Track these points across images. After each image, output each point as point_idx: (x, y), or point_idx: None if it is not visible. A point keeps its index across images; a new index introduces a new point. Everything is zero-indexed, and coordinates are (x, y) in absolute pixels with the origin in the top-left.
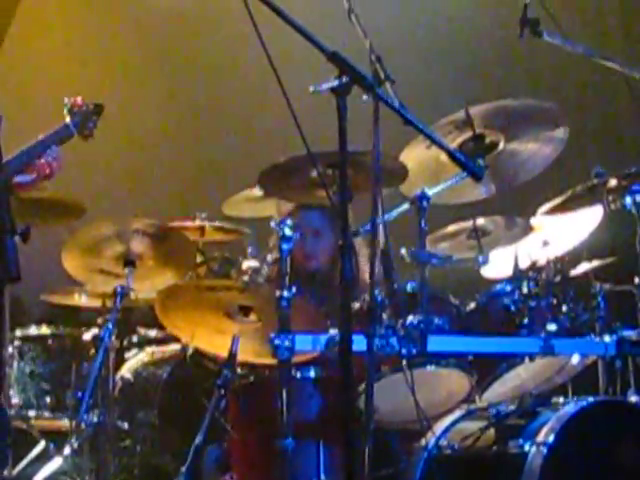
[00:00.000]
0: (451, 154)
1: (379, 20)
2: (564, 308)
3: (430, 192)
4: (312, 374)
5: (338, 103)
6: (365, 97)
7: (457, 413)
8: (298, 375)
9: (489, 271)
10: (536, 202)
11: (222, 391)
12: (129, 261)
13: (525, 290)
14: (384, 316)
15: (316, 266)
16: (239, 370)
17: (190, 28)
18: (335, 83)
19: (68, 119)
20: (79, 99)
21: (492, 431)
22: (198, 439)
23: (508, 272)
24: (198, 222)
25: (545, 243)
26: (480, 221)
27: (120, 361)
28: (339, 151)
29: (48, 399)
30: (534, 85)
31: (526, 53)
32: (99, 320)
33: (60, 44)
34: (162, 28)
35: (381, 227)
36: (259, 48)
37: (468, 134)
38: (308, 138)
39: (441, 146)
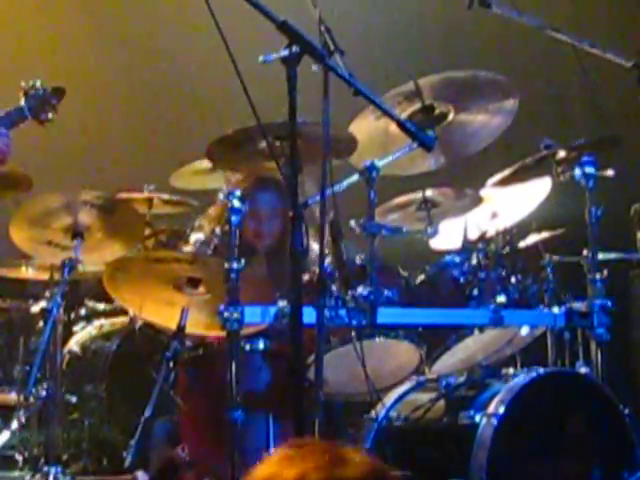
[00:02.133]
0: (401, 124)
1: None
2: (513, 279)
3: (379, 163)
4: (261, 346)
5: (288, 73)
6: (315, 67)
7: (407, 385)
8: (247, 347)
9: (438, 243)
10: (485, 173)
11: (171, 363)
12: (77, 233)
13: (474, 262)
14: (333, 288)
15: (268, 244)
16: (188, 342)
17: None
18: (285, 53)
19: (22, 102)
20: (38, 82)
21: (442, 402)
22: (147, 412)
23: (457, 244)
24: (146, 194)
25: (494, 215)
26: (429, 192)
27: (68, 334)
28: (289, 122)
29: None
30: (483, 56)
31: (475, 24)
32: (47, 293)
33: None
34: None
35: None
36: (209, 17)
37: (417, 105)
38: (257, 109)
39: (391, 116)
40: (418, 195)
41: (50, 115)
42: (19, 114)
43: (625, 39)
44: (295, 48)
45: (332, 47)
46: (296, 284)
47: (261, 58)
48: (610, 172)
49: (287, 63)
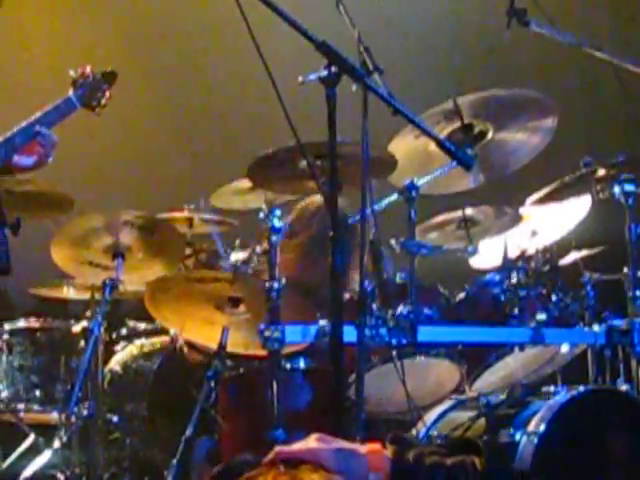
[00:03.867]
0: (440, 143)
1: (368, 11)
2: (553, 298)
3: (419, 182)
4: (302, 365)
5: (327, 93)
6: (354, 87)
7: (447, 403)
8: (288, 366)
9: (478, 261)
10: (525, 192)
11: (212, 383)
12: (118, 253)
13: (514, 280)
14: (374, 306)
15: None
16: (229, 362)
17: (178, 16)
18: (324, 73)
19: (71, 92)
20: (87, 69)
21: (482, 421)
22: (188, 431)
23: (497, 262)
24: (187, 214)
25: (534, 233)
26: (469, 211)
27: (109, 354)
28: (328, 141)
29: (37, 392)
30: (522, 74)
31: (514, 42)
32: (88, 313)
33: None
34: (148, 17)
35: (371, 218)
36: (248, 38)
37: (456, 124)
38: (297, 129)
39: (430, 135)
40: (458, 214)
41: (103, 101)
42: (68, 105)
43: None
44: (334, 68)
45: (371, 66)
46: (337, 303)
47: (300, 78)
48: None
49: (326, 83)
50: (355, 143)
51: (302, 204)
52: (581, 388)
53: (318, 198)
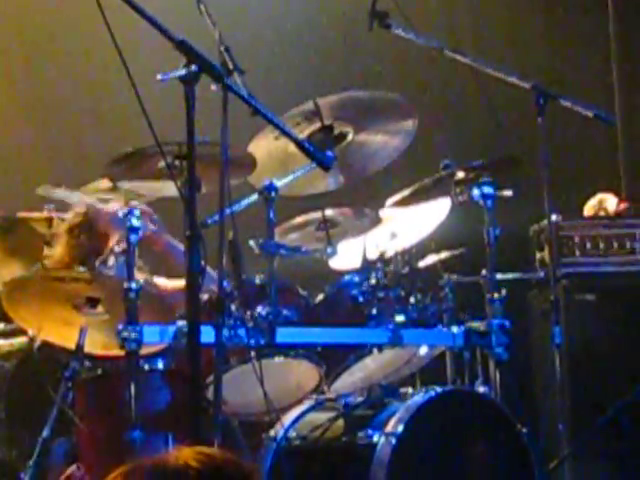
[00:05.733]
0: (299, 144)
1: (229, 12)
2: (412, 299)
3: (278, 183)
4: (160, 365)
5: (186, 92)
6: (214, 87)
7: (306, 404)
8: (146, 367)
9: (338, 262)
10: (385, 194)
11: (69, 383)
12: None
13: (373, 281)
14: (232, 307)
15: None
16: (88, 362)
17: (35, 10)
18: (182, 72)
19: None
20: None
21: (341, 422)
22: (45, 432)
23: (357, 263)
24: (46, 214)
25: (394, 235)
26: (329, 212)
27: None
28: (187, 141)
29: None
30: (384, 77)
31: (376, 45)
32: None
33: None
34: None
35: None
36: (107, 35)
37: (317, 125)
38: (159, 128)
39: (289, 136)
40: (317, 215)
41: None
42: None
43: (524, 61)
44: (193, 67)
45: (231, 66)
46: (193, 304)
47: (159, 76)
48: (508, 193)
49: (185, 82)
50: (214, 143)
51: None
52: (439, 389)
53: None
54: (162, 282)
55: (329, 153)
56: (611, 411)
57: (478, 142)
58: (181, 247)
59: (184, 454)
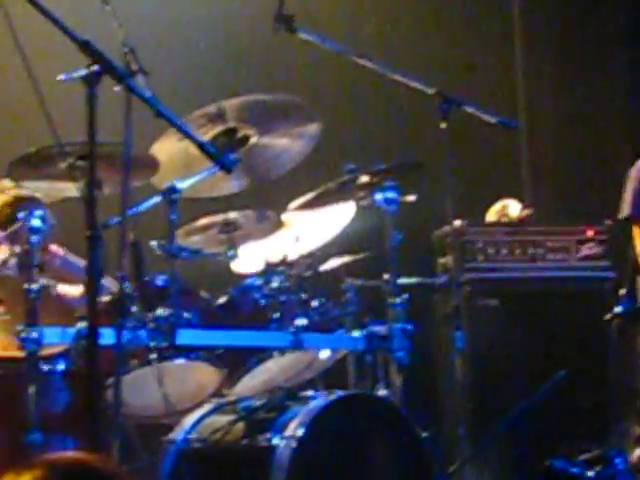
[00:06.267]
0: (200, 146)
1: (134, 13)
2: (314, 303)
3: (181, 185)
4: (61, 367)
5: (87, 93)
6: (117, 88)
7: (207, 407)
8: (46, 368)
9: (241, 265)
10: (289, 197)
11: None
12: None
13: (275, 284)
14: (133, 309)
15: None
16: None
17: None
18: (84, 72)
19: None
20: None
21: (241, 425)
22: None
23: (260, 267)
24: None
25: (297, 238)
26: (232, 215)
27: None
28: (89, 142)
29: None
30: (290, 81)
31: (284, 48)
32: None
33: None
34: None
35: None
36: (8, 33)
37: (221, 127)
38: (64, 128)
39: (191, 138)
40: (220, 217)
41: None
42: None
43: (431, 66)
44: (95, 68)
45: (135, 67)
46: (93, 305)
47: (61, 76)
48: (411, 197)
49: (87, 82)
50: (116, 144)
51: None
52: (339, 393)
53: None
54: (64, 288)
55: (231, 156)
56: (511, 415)
57: (384, 147)
58: (81, 263)
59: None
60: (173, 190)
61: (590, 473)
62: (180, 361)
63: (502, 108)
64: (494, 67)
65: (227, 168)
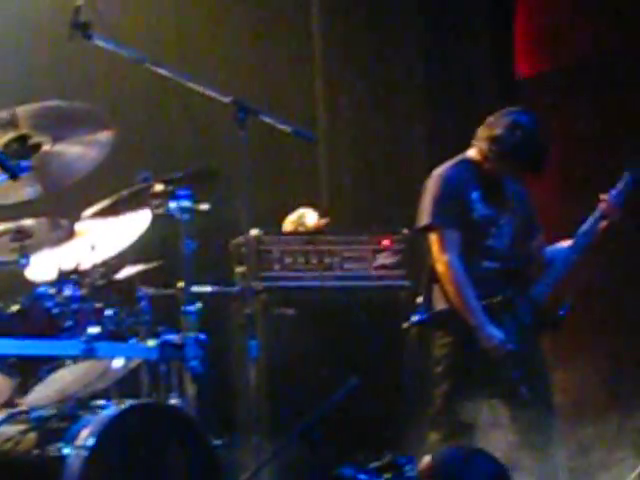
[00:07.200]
0: None
1: None
2: (108, 312)
3: None
4: None
5: None
6: None
7: None
8: None
9: (33, 273)
10: (85, 204)
11: None
12: None
13: (68, 293)
14: None
15: None
16: None
17: None
18: None
19: None
20: None
21: (32, 435)
22: None
23: (52, 275)
24: None
25: (93, 247)
26: (25, 222)
27: None
28: None
29: None
30: (89, 87)
31: (82, 54)
32: None
33: None
34: None
35: None
36: None
37: (12, 134)
38: None
39: None
40: (13, 225)
41: None
42: None
43: (232, 75)
44: None
45: None
46: None
47: None
48: (205, 206)
49: None
50: None
51: None
52: (130, 402)
53: None
54: None
55: (23, 163)
56: (304, 423)
57: (183, 155)
58: None
59: None
60: None
61: None
62: None
63: (302, 119)
64: (295, 77)
65: (12, 174)
